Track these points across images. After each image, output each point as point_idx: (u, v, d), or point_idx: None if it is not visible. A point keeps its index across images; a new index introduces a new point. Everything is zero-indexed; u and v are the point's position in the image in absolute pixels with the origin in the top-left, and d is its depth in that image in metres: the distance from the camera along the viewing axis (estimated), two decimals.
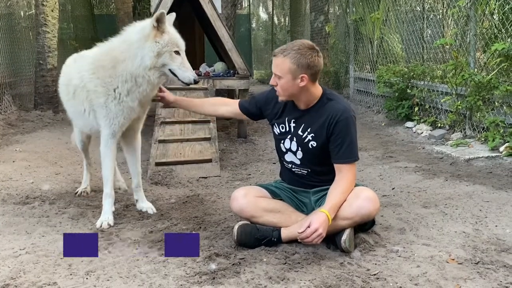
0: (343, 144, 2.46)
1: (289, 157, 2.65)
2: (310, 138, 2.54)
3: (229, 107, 2.91)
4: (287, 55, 2.41)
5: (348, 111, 2.49)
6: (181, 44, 2.79)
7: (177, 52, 2.75)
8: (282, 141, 2.65)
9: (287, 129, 2.62)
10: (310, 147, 2.54)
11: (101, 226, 2.84)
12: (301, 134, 2.57)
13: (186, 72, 2.76)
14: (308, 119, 2.55)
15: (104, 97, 2.85)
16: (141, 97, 2.86)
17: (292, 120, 2.60)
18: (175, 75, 2.77)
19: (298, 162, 2.63)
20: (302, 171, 2.64)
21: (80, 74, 2.93)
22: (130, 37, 2.77)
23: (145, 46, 2.69)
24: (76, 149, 3.81)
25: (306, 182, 2.66)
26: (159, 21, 2.68)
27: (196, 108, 3.00)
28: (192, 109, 3.08)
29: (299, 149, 2.59)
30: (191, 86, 2.93)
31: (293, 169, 2.67)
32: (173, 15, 2.91)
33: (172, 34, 2.76)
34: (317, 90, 2.54)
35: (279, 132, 2.67)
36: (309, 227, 2.30)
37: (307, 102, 2.55)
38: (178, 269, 2.25)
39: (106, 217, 2.91)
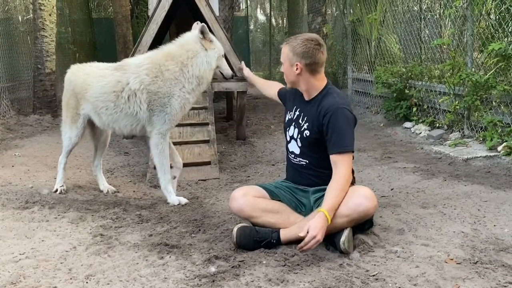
0: (333, 134, 2.52)
1: (291, 146, 2.77)
2: (306, 127, 2.66)
3: (276, 89, 3.13)
4: (288, 43, 2.64)
5: (340, 104, 2.56)
6: (223, 48, 3.41)
7: (223, 55, 3.36)
8: (288, 128, 2.79)
9: (293, 116, 2.76)
10: (305, 136, 2.66)
11: (179, 203, 3.35)
12: (300, 122, 2.70)
13: (229, 70, 3.46)
14: (307, 110, 2.68)
15: (167, 97, 3.28)
16: (198, 94, 3.43)
17: (298, 109, 2.75)
18: (221, 72, 3.42)
19: (298, 151, 2.72)
20: (302, 161, 2.72)
21: (139, 78, 3.28)
22: (193, 47, 3.27)
23: (208, 53, 3.26)
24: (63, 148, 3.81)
25: (306, 174, 2.71)
26: (204, 32, 3.23)
27: (258, 87, 3.35)
28: (256, 86, 3.42)
29: (298, 136, 2.70)
30: None
31: (294, 160, 2.76)
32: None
33: (217, 41, 3.35)
34: (320, 82, 2.66)
35: (288, 118, 2.81)
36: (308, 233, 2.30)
37: (308, 93, 2.68)
38: (177, 272, 2.26)
39: (176, 198, 3.40)
